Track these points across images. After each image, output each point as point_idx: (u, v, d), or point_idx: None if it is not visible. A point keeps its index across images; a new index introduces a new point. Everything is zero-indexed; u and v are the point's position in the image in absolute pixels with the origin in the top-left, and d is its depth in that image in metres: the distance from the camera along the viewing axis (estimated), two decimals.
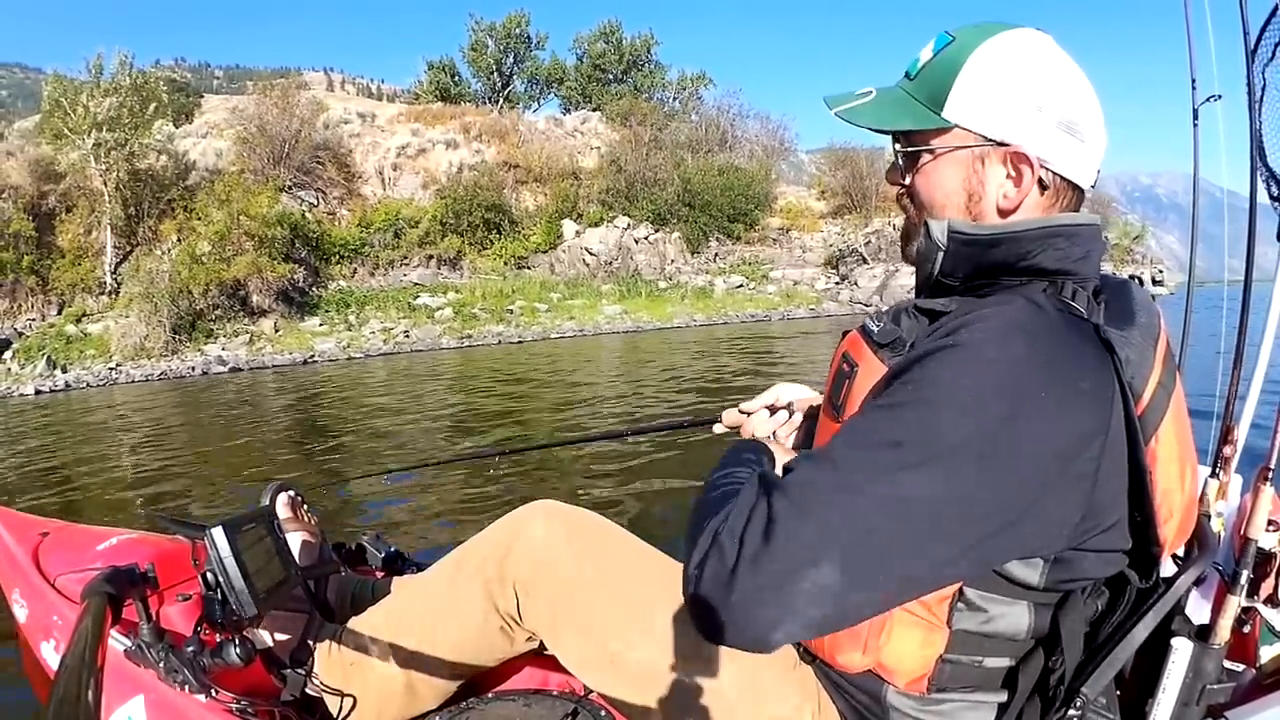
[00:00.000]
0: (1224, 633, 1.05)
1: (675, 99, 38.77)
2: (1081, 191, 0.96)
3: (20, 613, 1.72)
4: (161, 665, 1.26)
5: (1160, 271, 31.70)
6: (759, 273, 28.97)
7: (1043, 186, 0.93)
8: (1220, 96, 1.97)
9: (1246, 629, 1.25)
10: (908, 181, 1.00)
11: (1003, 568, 0.90)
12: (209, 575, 1.28)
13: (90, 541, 1.76)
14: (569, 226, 28.10)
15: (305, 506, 1.83)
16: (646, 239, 28.54)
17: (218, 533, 1.27)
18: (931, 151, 0.96)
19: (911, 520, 0.73)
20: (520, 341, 21.67)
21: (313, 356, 19.96)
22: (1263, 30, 1.60)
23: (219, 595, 1.28)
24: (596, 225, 28.31)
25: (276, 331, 21.53)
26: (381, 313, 23.39)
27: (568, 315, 24.38)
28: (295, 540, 1.68)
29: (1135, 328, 0.90)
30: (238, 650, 1.26)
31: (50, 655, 1.63)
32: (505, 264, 26.80)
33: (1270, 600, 1.18)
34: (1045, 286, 0.90)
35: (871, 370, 0.96)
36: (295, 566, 1.48)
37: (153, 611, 1.26)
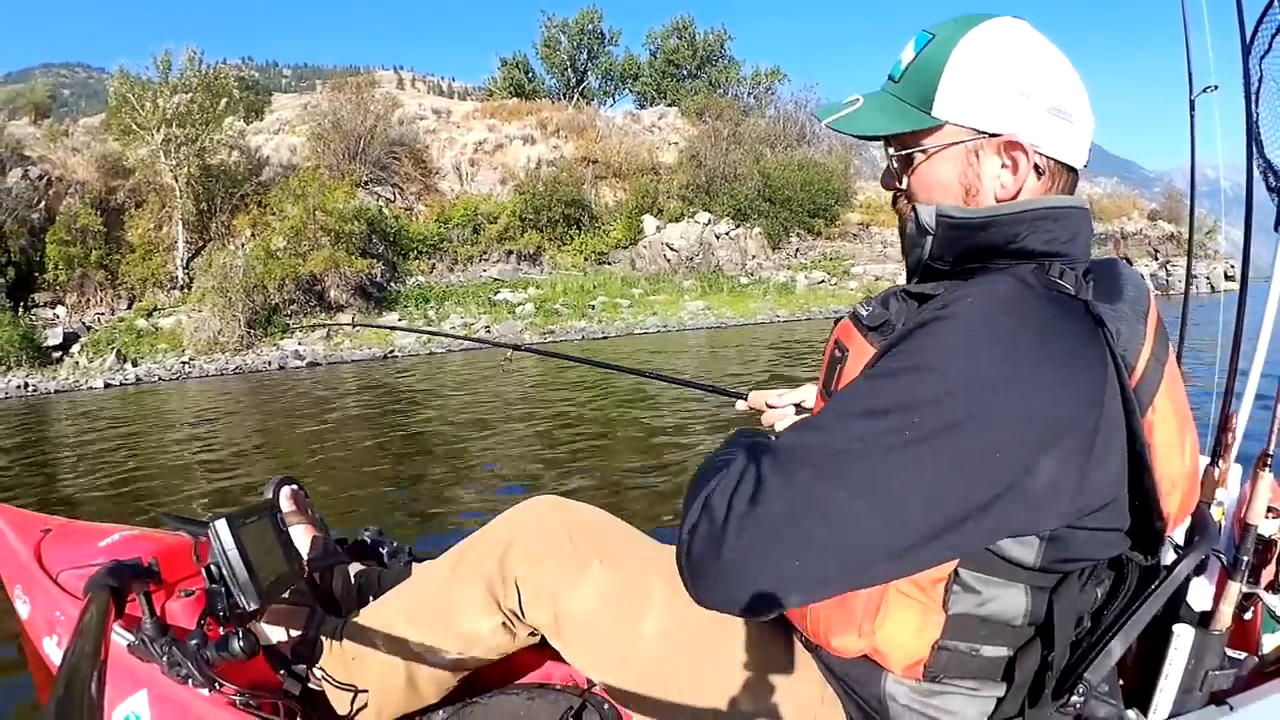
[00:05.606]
0: (1225, 619, 1.09)
1: (750, 94, 38.26)
2: (1075, 173, 0.95)
3: (23, 609, 1.73)
4: (165, 659, 1.25)
5: (1231, 266, 30.27)
6: (840, 268, 28.16)
7: (1038, 171, 0.92)
8: (1217, 88, 1.91)
9: (1248, 616, 1.24)
10: (904, 185, 0.98)
11: (998, 547, 0.88)
12: (212, 568, 1.25)
13: (92, 538, 1.74)
14: (649, 222, 27.47)
15: (309, 500, 1.82)
16: (727, 234, 27.78)
17: (221, 525, 1.25)
18: (925, 151, 0.94)
19: (897, 489, 0.72)
20: (605, 337, 21.18)
21: (392, 351, 19.41)
22: (1259, 22, 1.56)
23: (222, 588, 1.25)
24: (677, 221, 27.65)
25: (354, 327, 20.93)
26: (461, 308, 22.82)
27: (650, 311, 23.69)
28: (298, 534, 1.66)
29: (1124, 302, 0.87)
30: (241, 643, 1.23)
31: (53, 651, 1.64)
32: (585, 259, 26.30)
33: (1271, 587, 1.18)
34: (1034, 267, 0.88)
35: (861, 354, 0.95)
36: (298, 559, 1.47)
37: (156, 606, 1.25)
